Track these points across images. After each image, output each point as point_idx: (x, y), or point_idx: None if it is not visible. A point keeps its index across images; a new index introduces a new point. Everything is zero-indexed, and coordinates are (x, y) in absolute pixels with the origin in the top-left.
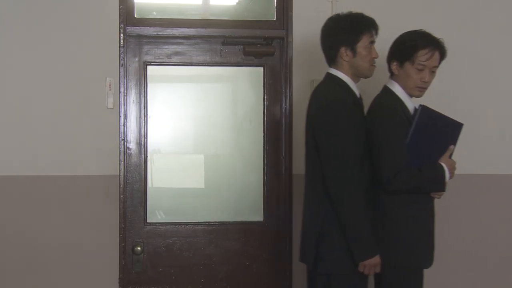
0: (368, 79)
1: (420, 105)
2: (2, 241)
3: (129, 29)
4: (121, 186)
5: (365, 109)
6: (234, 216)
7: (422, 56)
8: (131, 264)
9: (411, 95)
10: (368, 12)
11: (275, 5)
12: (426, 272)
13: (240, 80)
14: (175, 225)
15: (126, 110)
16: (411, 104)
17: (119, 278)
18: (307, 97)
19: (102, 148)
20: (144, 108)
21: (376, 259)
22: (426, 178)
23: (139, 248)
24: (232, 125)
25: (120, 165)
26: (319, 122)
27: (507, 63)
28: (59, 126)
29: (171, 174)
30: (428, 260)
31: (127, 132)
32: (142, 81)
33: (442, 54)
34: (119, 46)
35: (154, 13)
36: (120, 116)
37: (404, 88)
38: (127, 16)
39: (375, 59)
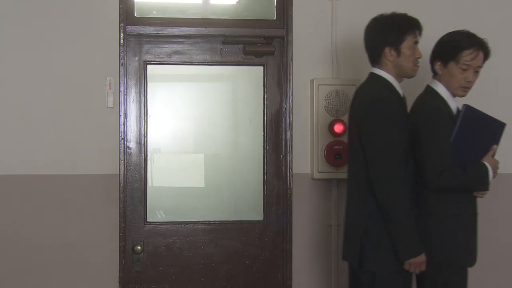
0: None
1: (464, 104)
2: (2, 240)
3: (129, 28)
4: (121, 185)
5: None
6: (234, 215)
7: (467, 56)
8: (131, 263)
9: (454, 95)
10: (368, 13)
11: (275, 4)
12: (469, 271)
13: (240, 79)
14: (175, 224)
15: (126, 109)
16: (454, 104)
17: (119, 277)
18: (307, 97)
19: (102, 147)
20: (144, 107)
21: (422, 258)
22: (470, 177)
23: (139, 247)
24: (232, 125)
25: (120, 164)
26: (365, 122)
27: None
28: (59, 125)
29: (171, 173)
30: (471, 259)
31: (127, 131)
32: (142, 80)
33: (486, 54)
34: (119, 45)
35: (154, 12)
36: (120, 115)
37: (448, 88)
38: (127, 15)
39: (419, 59)
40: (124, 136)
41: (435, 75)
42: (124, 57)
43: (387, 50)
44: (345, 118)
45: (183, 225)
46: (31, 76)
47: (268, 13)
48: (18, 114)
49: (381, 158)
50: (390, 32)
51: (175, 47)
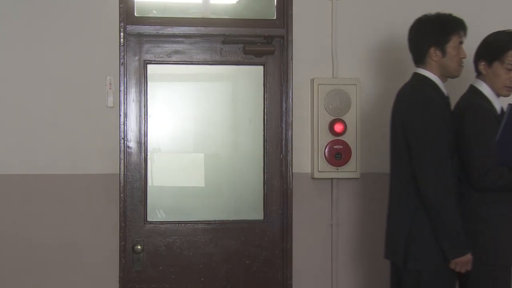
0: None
1: (509, 104)
2: (2, 240)
3: (129, 27)
4: (121, 185)
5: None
6: (234, 215)
7: None
8: (131, 263)
9: (498, 95)
10: (368, 12)
11: (275, 4)
12: None
13: (240, 79)
14: (175, 224)
15: (126, 109)
16: (498, 103)
17: (119, 277)
18: (307, 97)
19: (102, 147)
20: (144, 107)
21: (468, 257)
22: None
23: (139, 247)
24: (232, 124)
25: (120, 163)
26: (411, 122)
27: None
28: (59, 125)
29: (171, 173)
30: None
31: (127, 131)
32: (142, 80)
33: None
34: (119, 44)
35: (154, 11)
36: (120, 115)
37: (492, 87)
38: (127, 14)
39: (463, 60)
40: (124, 136)
41: (479, 75)
42: (124, 57)
43: (432, 50)
44: (345, 117)
45: (183, 224)
46: (31, 75)
47: (268, 12)
48: (18, 114)
49: (428, 158)
50: (435, 32)
51: (175, 46)
